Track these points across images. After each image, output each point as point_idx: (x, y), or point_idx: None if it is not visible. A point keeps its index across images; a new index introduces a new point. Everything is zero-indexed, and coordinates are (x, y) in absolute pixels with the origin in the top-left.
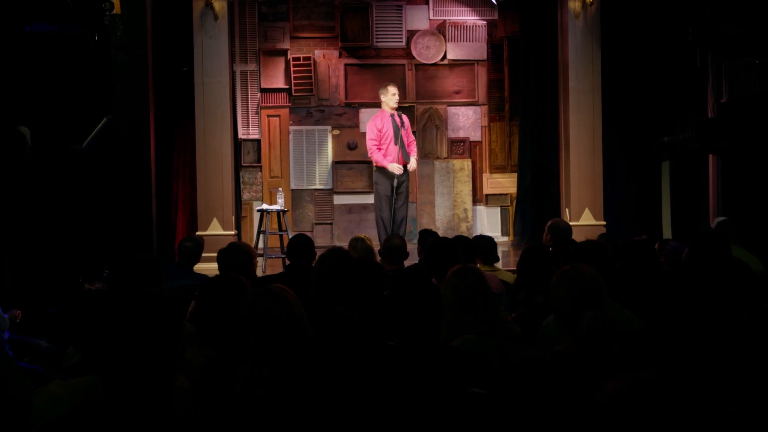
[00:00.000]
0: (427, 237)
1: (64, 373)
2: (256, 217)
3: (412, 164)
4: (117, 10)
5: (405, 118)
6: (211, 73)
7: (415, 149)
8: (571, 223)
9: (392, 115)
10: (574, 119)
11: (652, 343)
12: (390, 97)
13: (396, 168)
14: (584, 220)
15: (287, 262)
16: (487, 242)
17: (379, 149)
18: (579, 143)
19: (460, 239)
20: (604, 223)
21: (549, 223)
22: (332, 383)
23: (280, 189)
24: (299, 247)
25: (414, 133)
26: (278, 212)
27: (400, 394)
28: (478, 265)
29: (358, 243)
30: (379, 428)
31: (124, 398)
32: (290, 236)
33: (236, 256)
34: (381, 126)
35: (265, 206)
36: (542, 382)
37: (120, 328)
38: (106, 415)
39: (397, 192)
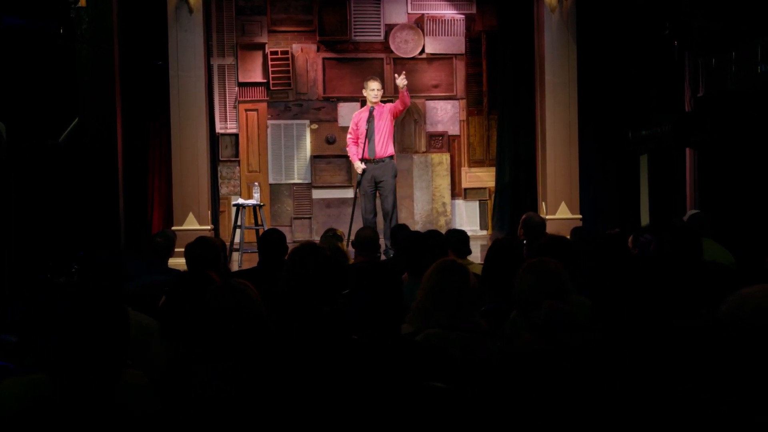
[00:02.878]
0: (400, 232)
1: (23, 369)
2: (234, 211)
3: (401, 80)
4: (82, 3)
5: (386, 109)
6: (187, 67)
7: (397, 102)
8: (547, 217)
9: (371, 110)
10: (550, 113)
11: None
12: (368, 92)
13: (356, 166)
14: (560, 213)
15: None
16: (460, 236)
17: (356, 144)
18: (555, 137)
19: (433, 233)
20: (581, 216)
21: (523, 217)
22: (294, 377)
23: (256, 183)
24: (271, 241)
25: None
26: (254, 207)
27: (360, 388)
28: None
29: (327, 236)
30: (339, 422)
31: (69, 394)
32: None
33: (203, 250)
34: (357, 120)
35: (240, 201)
36: (499, 377)
37: (63, 324)
38: (52, 412)
39: (378, 186)
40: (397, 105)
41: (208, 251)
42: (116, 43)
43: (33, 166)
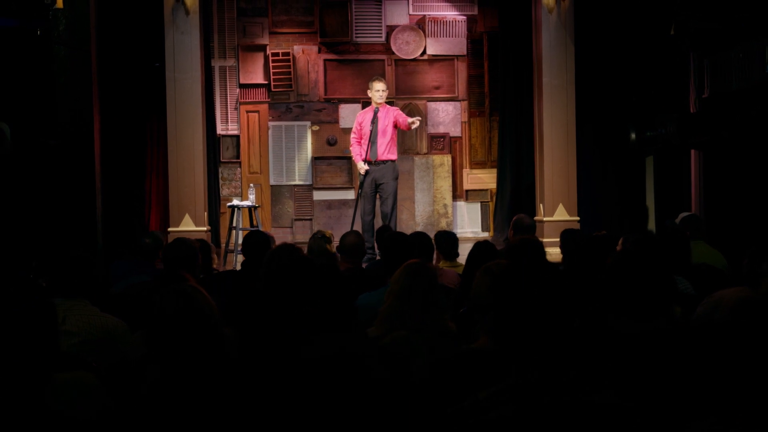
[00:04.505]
0: (384, 233)
1: None
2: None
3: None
4: (59, 4)
5: (391, 112)
6: (183, 68)
7: (404, 120)
8: (544, 219)
9: (376, 111)
10: (547, 114)
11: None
12: (373, 92)
13: (359, 166)
14: (558, 215)
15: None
16: (448, 238)
17: (359, 144)
18: (552, 138)
19: (418, 235)
20: (578, 218)
21: (513, 219)
22: (252, 381)
23: (252, 185)
24: (254, 243)
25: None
26: (250, 208)
27: (315, 392)
28: (441, 261)
29: (316, 238)
30: (288, 425)
31: None
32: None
33: (178, 251)
34: (361, 120)
35: (236, 202)
36: (454, 379)
37: None
38: None
39: (378, 189)
40: (400, 121)
41: (184, 252)
42: (94, 45)
43: (14, 166)
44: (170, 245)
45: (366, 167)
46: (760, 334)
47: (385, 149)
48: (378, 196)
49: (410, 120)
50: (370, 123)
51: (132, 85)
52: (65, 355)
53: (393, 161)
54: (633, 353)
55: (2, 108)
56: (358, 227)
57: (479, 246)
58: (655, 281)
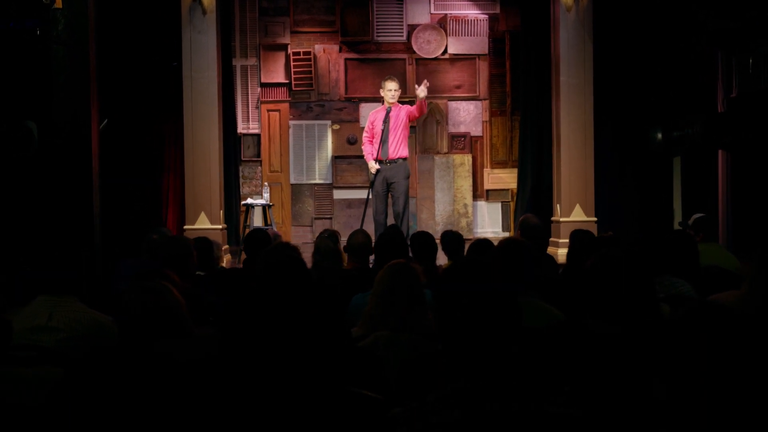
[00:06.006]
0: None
1: None
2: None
3: (421, 90)
4: (58, 4)
5: (403, 111)
6: (200, 68)
7: (415, 106)
8: (561, 219)
9: (388, 110)
10: (565, 114)
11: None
12: (386, 92)
13: (370, 165)
14: (575, 216)
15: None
16: (452, 237)
17: (371, 143)
18: (570, 138)
19: (421, 234)
20: (596, 219)
21: (520, 219)
22: (230, 379)
23: (266, 183)
24: (255, 240)
25: (414, 127)
26: (264, 206)
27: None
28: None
29: (323, 237)
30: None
31: None
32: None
33: (169, 249)
34: (373, 119)
35: (249, 201)
36: (420, 379)
37: None
38: None
39: (389, 188)
40: (413, 111)
41: (175, 250)
42: (92, 44)
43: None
44: (162, 243)
45: (377, 166)
46: (700, 336)
47: (396, 148)
48: (390, 195)
49: (419, 93)
50: (382, 122)
51: (146, 84)
52: (44, 351)
53: (404, 159)
54: (597, 355)
55: (1, 107)
56: (367, 226)
57: (476, 245)
58: (626, 285)
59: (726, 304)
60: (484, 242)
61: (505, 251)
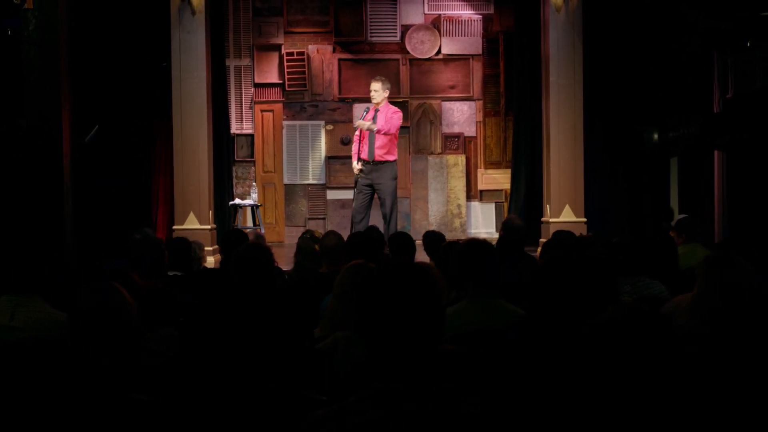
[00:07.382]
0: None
1: None
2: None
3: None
4: (29, 4)
5: (387, 111)
6: (189, 68)
7: (385, 128)
8: (551, 220)
9: (376, 111)
10: (554, 114)
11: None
12: (372, 93)
13: (353, 165)
14: (564, 216)
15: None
16: (433, 237)
17: (359, 141)
18: (560, 138)
19: (399, 235)
20: (585, 220)
21: (504, 219)
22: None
23: (254, 184)
24: (231, 241)
25: (407, 128)
26: (252, 207)
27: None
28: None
29: (305, 238)
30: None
31: None
32: (262, 231)
33: (139, 250)
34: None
35: (237, 201)
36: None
37: None
38: None
39: (374, 189)
40: (382, 129)
41: (144, 251)
42: (63, 45)
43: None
44: (134, 244)
45: (359, 167)
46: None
47: (382, 150)
48: (377, 197)
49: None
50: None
51: (136, 85)
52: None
53: (391, 162)
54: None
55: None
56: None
57: (449, 246)
58: (572, 286)
59: (681, 305)
60: (455, 244)
61: (465, 253)
